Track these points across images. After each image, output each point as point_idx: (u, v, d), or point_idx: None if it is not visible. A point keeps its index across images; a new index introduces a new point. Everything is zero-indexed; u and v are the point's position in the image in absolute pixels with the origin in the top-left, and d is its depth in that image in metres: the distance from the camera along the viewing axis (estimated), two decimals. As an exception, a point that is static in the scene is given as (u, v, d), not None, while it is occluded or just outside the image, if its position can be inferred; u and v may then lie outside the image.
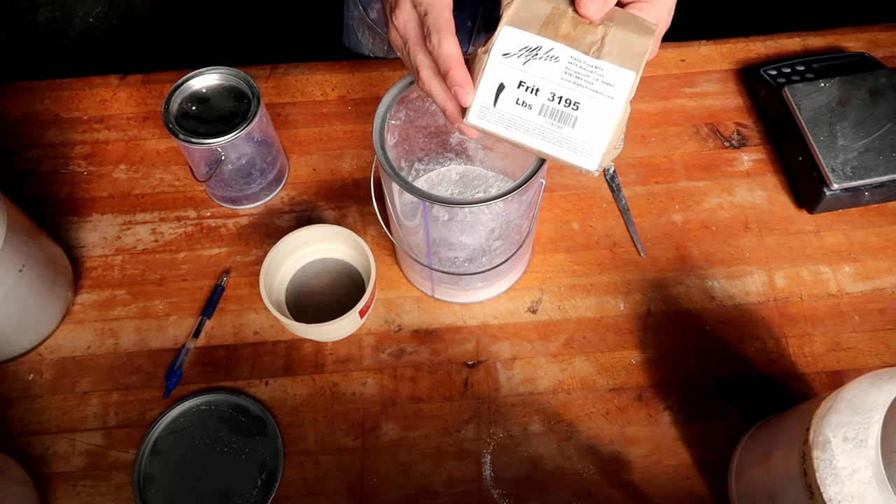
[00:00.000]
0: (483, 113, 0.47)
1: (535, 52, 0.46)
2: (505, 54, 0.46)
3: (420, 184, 0.71)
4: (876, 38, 0.88)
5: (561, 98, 0.46)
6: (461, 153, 0.71)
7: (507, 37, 0.46)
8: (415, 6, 0.48)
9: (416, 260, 0.66)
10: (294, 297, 0.72)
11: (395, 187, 0.56)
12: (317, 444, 0.66)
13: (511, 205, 0.57)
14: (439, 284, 0.70)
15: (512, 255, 0.66)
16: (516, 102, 0.46)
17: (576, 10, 0.45)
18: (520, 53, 0.46)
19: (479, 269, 0.66)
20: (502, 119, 0.47)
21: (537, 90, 0.46)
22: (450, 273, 0.66)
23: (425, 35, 0.47)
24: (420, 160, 0.71)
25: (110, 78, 0.87)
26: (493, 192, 0.65)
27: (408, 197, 0.55)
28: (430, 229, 0.60)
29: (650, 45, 0.46)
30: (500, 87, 0.46)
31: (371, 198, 0.61)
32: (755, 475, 0.58)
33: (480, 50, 0.47)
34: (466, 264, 0.65)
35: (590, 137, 0.46)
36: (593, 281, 0.73)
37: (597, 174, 0.48)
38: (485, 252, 0.64)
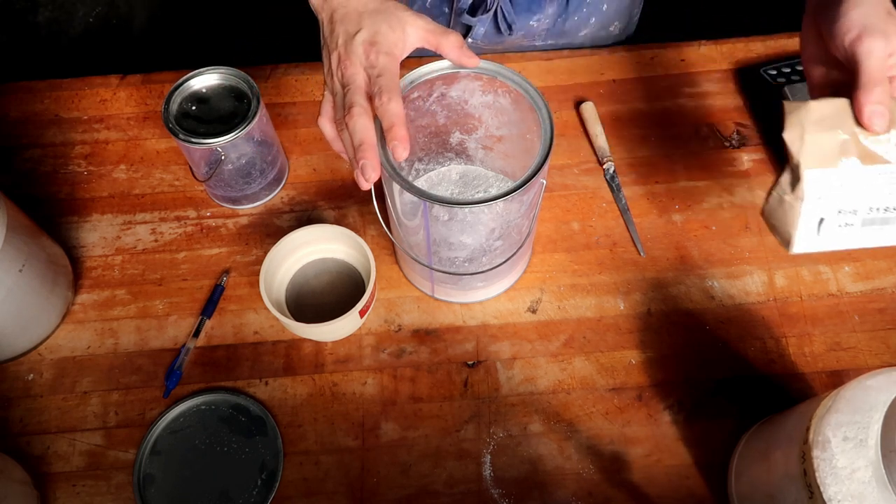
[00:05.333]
0: (807, 244, 0.50)
1: (842, 183, 0.48)
2: (819, 197, 0.48)
3: (420, 184, 0.71)
4: (876, 38, 0.87)
5: (880, 208, 0.49)
6: (461, 153, 0.71)
7: (812, 180, 0.48)
8: (367, 66, 0.54)
9: (416, 260, 0.66)
10: (294, 297, 0.72)
11: (396, 187, 0.56)
12: (317, 444, 0.66)
13: (511, 205, 0.57)
14: (439, 284, 0.70)
15: (512, 256, 0.66)
16: (838, 226, 0.49)
17: (862, 127, 0.48)
18: (830, 188, 0.48)
19: (480, 269, 0.66)
20: (826, 240, 0.50)
21: (856, 210, 0.49)
22: (450, 273, 0.66)
23: (375, 91, 0.53)
24: (420, 160, 0.71)
25: (110, 78, 0.87)
26: (494, 192, 0.65)
27: (408, 197, 0.56)
28: (431, 229, 0.60)
29: None
30: (821, 221, 0.49)
31: (371, 198, 0.61)
32: (755, 475, 0.58)
33: (787, 197, 0.49)
34: (466, 264, 0.65)
35: None
36: (593, 281, 0.73)
37: None
38: (485, 252, 0.64)
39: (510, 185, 0.54)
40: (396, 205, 0.61)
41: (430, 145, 0.69)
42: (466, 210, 0.56)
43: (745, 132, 0.82)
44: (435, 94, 0.62)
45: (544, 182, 0.59)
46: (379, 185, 0.61)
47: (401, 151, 0.53)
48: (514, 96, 0.59)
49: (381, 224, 0.65)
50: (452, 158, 0.72)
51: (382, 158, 0.55)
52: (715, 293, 0.72)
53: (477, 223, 0.60)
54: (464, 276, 0.67)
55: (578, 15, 0.86)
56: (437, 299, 0.72)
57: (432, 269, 0.66)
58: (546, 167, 0.55)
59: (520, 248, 0.66)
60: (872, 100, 0.47)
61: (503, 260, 0.65)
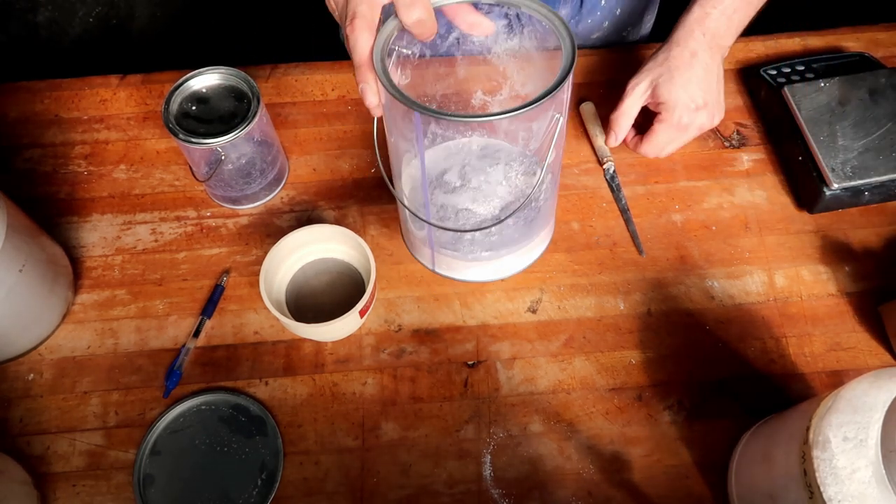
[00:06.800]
0: None
1: None
2: None
3: (437, 151, 0.66)
4: (876, 38, 0.88)
5: None
6: (484, 123, 0.65)
7: None
8: None
9: (415, 215, 0.62)
10: (294, 297, 0.72)
11: (391, 123, 0.51)
12: (317, 444, 0.66)
13: (519, 129, 0.52)
14: (440, 252, 0.66)
15: (526, 225, 0.60)
16: None
17: None
18: None
19: (484, 226, 0.60)
20: None
21: None
22: (451, 230, 0.62)
23: (397, 3, 0.50)
24: (438, 122, 0.63)
25: (110, 78, 0.87)
26: (516, 168, 0.61)
27: (401, 108, 0.51)
28: (427, 166, 0.55)
29: None
30: None
31: (375, 149, 0.57)
32: (755, 475, 0.58)
33: None
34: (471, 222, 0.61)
35: None
36: (593, 281, 0.73)
37: None
38: (491, 200, 0.59)
39: (533, 160, 0.50)
40: (393, 134, 0.56)
41: (449, 105, 0.64)
42: (472, 138, 0.50)
43: (745, 132, 0.82)
44: (454, 34, 0.57)
45: (560, 119, 0.53)
46: (381, 134, 0.58)
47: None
48: (537, 33, 0.55)
49: (386, 181, 0.61)
50: (476, 128, 0.67)
51: (379, 71, 0.51)
52: (715, 293, 0.72)
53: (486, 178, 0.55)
54: (464, 238, 0.62)
55: (592, 18, 0.86)
56: (437, 273, 0.70)
57: (430, 223, 0.61)
58: (566, 92, 0.50)
59: (534, 219, 0.61)
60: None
61: (514, 225, 0.61)
